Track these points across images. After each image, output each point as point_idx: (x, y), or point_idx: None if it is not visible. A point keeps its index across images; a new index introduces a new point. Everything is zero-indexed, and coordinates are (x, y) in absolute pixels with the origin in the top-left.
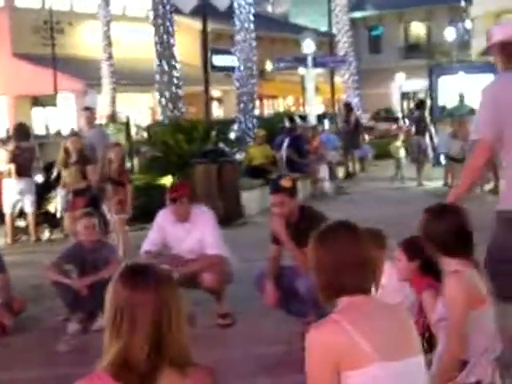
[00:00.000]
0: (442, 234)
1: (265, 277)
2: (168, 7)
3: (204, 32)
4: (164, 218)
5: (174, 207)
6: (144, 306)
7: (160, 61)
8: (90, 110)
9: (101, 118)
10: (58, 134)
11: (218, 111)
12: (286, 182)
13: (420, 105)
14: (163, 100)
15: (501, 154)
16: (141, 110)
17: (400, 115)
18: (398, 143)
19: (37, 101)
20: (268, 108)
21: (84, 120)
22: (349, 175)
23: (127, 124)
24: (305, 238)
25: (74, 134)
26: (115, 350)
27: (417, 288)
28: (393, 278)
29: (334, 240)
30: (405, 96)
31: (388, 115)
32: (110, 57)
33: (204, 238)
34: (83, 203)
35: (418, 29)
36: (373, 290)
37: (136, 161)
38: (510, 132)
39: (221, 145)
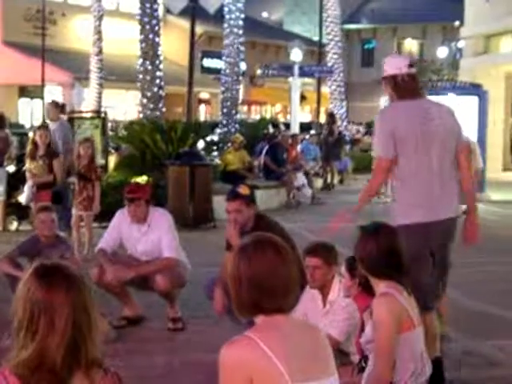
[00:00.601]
0: (370, 256)
1: (215, 284)
2: (156, 6)
3: (192, 33)
4: (121, 218)
5: (131, 208)
6: (62, 307)
7: (144, 59)
8: (53, 104)
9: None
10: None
11: (207, 113)
12: (243, 190)
13: None
14: (144, 99)
15: (394, 174)
16: (128, 106)
17: None
18: None
19: (24, 91)
20: (256, 114)
21: (48, 113)
22: (327, 186)
23: (103, 120)
24: None
25: (43, 126)
26: (29, 351)
27: (359, 306)
28: (340, 294)
29: (258, 255)
30: None
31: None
32: (100, 51)
33: (160, 241)
34: (47, 197)
35: (411, 45)
36: (293, 310)
37: (113, 158)
38: (404, 154)
39: (200, 147)
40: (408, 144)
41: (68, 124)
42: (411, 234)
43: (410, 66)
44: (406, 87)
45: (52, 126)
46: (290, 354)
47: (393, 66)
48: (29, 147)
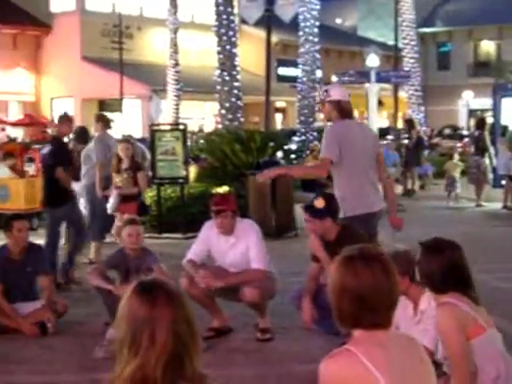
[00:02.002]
0: (433, 273)
1: (302, 294)
2: (232, 17)
3: (268, 43)
4: (208, 229)
5: (218, 220)
6: (164, 322)
7: (221, 70)
8: (96, 117)
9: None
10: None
11: (283, 122)
12: (318, 203)
13: (480, 124)
14: (223, 110)
15: (338, 175)
16: (205, 117)
17: (466, 133)
18: (455, 161)
19: (103, 104)
20: None
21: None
22: (407, 192)
23: (184, 132)
24: None
25: (125, 140)
26: (132, 367)
27: (415, 297)
28: (431, 303)
29: (365, 268)
30: (472, 114)
31: (454, 133)
32: (177, 63)
33: (248, 252)
34: (133, 209)
35: (487, 46)
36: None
37: (193, 169)
38: (346, 160)
39: (278, 156)
40: (351, 152)
41: (111, 136)
42: (356, 223)
43: (349, 95)
44: (347, 110)
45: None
46: (391, 369)
47: (338, 93)
48: (113, 161)
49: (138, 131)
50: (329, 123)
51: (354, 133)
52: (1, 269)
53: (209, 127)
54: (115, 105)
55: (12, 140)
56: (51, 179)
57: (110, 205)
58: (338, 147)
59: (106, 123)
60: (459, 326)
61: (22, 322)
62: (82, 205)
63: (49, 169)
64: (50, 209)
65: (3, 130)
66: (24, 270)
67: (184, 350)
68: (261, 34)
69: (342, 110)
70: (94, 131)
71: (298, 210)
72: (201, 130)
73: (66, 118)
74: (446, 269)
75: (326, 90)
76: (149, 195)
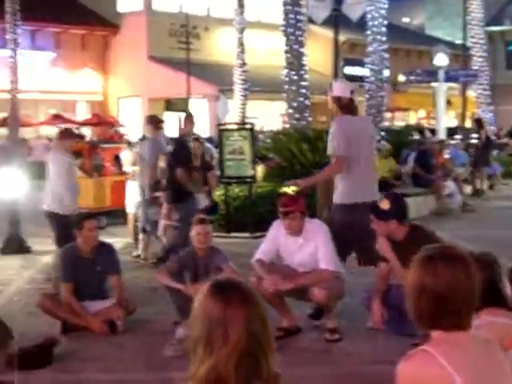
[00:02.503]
0: None
1: (372, 295)
2: (300, 17)
3: (335, 42)
4: (277, 229)
5: (286, 222)
6: (238, 322)
7: (289, 70)
8: (146, 119)
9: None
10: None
11: None
12: (383, 204)
13: None
14: (290, 109)
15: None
16: (272, 117)
17: None
18: None
19: (169, 104)
20: (399, 120)
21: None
22: (476, 193)
23: (251, 131)
24: (412, 258)
25: (196, 139)
26: (207, 367)
27: None
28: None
29: (446, 267)
30: None
31: None
32: (244, 63)
33: (316, 253)
34: (203, 209)
35: None
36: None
37: (260, 168)
38: (353, 152)
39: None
40: (354, 146)
41: (163, 140)
42: (351, 210)
43: (352, 92)
44: (348, 107)
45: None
46: (470, 371)
47: (340, 89)
48: None
49: (205, 131)
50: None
51: (357, 128)
52: (71, 267)
53: (275, 127)
54: (181, 104)
55: (80, 139)
56: (172, 178)
57: None
58: (347, 142)
59: (156, 124)
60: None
61: (92, 320)
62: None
63: (170, 168)
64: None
65: (77, 129)
66: (94, 269)
67: (259, 349)
68: (328, 33)
69: (342, 107)
70: (145, 132)
71: None
72: (262, 131)
73: (189, 118)
74: (485, 287)
75: (331, 85)
76: (217, 194)
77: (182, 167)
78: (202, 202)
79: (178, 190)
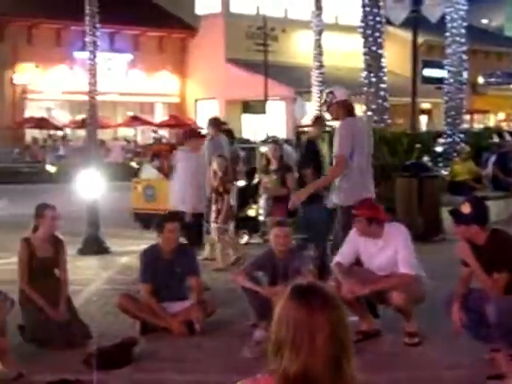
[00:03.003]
0: None
1: (452, 299)
2: (378, 18)
3: (414, 44)
4: (356, 232)
5: (354, 223)
6: (324, 325)
7: (368, 72)
8: (208, 121)
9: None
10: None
11: (428, 123)
12: (464, 208)
13: None
14: (369, 111)
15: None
16: None
17: None
18: None
19: (247, 106)
20: (478, 123)
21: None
22: None
23: (330, 133)
24: (493, 263)
25: (274, 141)
26: (293, 369)
27: None
28: None
29: None
30: None
31: None
32: (321, 65)
33: (396, 256)
34: (282, 211)
35: None
36: None
37: None
38: (360, 152)
39: (424, 159)
40: (359, 146)
41: (223, 140)
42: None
43: (348, 95)
44: (351, 108)
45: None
46: None
47: (342, 94)
48: (262, 162)
49: (282, 133)
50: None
51: (360, 128)
52: (151, 268)
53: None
54: (259, 106)
55: (158, 141)
56: (302, 181)
57: (263, 211)
58: (351, 143)
59: (218, 127)
60: None
61: (171, 320)
62: None
63: (299, 170)
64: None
65: (155, 131)
66: (173, 270)
67: (343, 352)
68: (406, 34)
69: (349, 109)
70: (208, 134)
71: (446, 214)
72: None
73: (318, 120)
74: None
75: (332, 92)
76: None
77: (310, 168)
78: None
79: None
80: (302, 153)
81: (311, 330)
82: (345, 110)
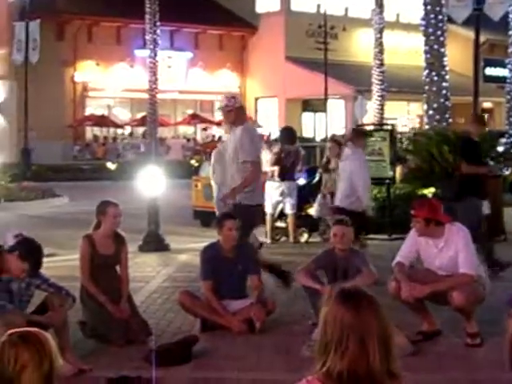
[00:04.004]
0: None
1: None
2: (440, 16)
3: (476, 42)
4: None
5: (412, 224)
6: (370, 327)
7: (429, 70)
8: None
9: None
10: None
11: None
12: None
13: None
14: (430, 110)
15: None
16: (409, 117)
17: None
18: None
19: (307, 104)
20: None
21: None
22: None
23: (391, 132)
24: None
25: (333, 140)
26: (339, 368)
27: None
28: None
29: None
30: None
31: None
32: (382, 64)
33: (457, 256)
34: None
35: None
36: None
37: (398, 169)
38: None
39: (486, 159)
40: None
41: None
42: (256, 210)
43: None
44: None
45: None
46: None
47: (239, 100)
48: (323, 160)
49: (341, 131)
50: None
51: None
52: (212, 266)
53: (412, 128)
54: (319, 105)
55: (216, 139)
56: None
57: (315, 209)
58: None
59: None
60: None
61: (231, 319)
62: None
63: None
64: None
65: (205, 129)
66: (235, 268)
67: (387, 352)
68: (468, 33)
69: (243, 114)
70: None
71: (508, 213)
72: (400, 132)
73: (480, 118)
74: None
75: (234, 97)
76: None
77: (469, 163)
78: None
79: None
80: (461, 148)
81: (358, 331)
82: (243, 116)
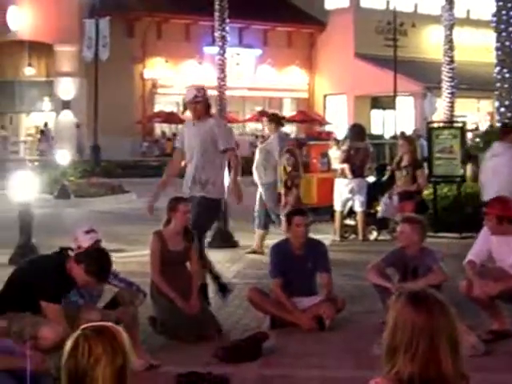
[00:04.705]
0: None
1: None
2: None
3: None
4: (487, 231)
5: (484, 221)
6: (440, 329)
7: (501, 67)
8: (269, 117)
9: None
10: (395, 136)
11: None
12: None
13: None
14: (502, 107)
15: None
16: (479, 115)
17: None
18: None
19: (375, 101)
20: None
21: (265, 125)
22: None
23: (462, 130)
24: None
25: (404, 137)
26: (409, 371)
27: None
28: None
29: None
30: None
31: None
32: (451, 61)
33: None
34: (410, 207)
35: None
36: None
37: (469, 167)
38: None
39: None
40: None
41: (285, 136)
42: (218, 204)
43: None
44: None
45: (270, 136)
46: None
47: (203, 91)
48: (396, 158)
49: (410, 128)
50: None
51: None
52: (282, 263)
53: (482, 126)
54: (388, 102)
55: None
56: None
57: (382, 208)
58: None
59: (279, 122)
60: None
61: (301, 316)
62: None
63: None
64: None
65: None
66: (305, 266)
67: (456, 353)
68: None
69: (211, 106)
70: (267, 131)
71: None
72: (470, 130)
73: None
74: None
75: (203, 89)
76: (425, 193)
77: None
78: None
79: None
80: None
81: (429, 334)
82: (210, 108)
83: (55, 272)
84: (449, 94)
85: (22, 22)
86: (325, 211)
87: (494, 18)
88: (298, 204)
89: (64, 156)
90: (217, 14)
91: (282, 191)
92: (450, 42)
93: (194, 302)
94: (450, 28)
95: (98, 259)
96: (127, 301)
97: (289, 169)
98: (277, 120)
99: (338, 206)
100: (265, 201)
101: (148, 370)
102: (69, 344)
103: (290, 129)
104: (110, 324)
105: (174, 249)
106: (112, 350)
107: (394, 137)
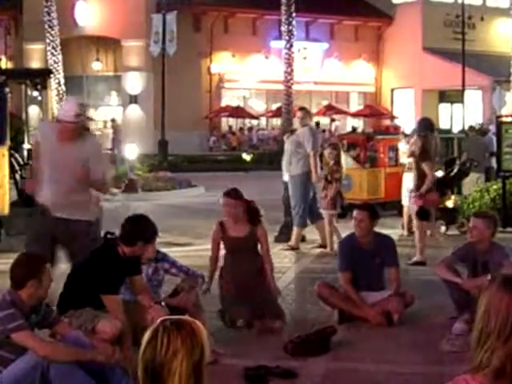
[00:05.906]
0: None
1: None
2: None
3: None
4: None
5: None
6: None
7: None
8: (303, 110)
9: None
10: (463, 130)
11: None
12: None
13: None
14: None
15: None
16: None
17: None
18: None
19: (443, 95)
20: None
21: (297, 119)
22: None
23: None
24: None
25: (472, 131)
26: (500, 355)
27: None
28: None
29: None
30: None
31: None
32: None
33: None
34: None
35: None
36: None
37: None
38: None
39: None
40: None
41: (316, 129)
42: None
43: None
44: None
45: (299, 130)
46: None
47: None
48: None
49: (478, 122)
50: None
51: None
52: (350, 257)
53: None
54: (456, 96)
55: (354, 130)
56: None
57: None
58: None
59: (309, 115)
60: None
61: (369, 310)
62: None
63: None
64: None
65: (333, 120)
66: (373, 260)
67: None
68: None
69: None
70: (299, 124)
71: None
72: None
73: None
74: None
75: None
76: (493, 188)
77: None
78: None
79: None
80: None
81: None
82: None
83: (108, 263)
84: None
85: (90, 17)
86: (392, 206)
87: None
88: (338, 198)
89: (132, 150)
90: (284, 8)
91: (322, 184)
92: None
93: (274, 285)
94: None
95: (134, 223)
96: (187, 287)
97: (331, 162)
98: (309, 113)
99: (405, 201)
100: (290, 194)
101: (216, 362)
102: (147, 335)
103: (356, 123)
104: (190, 318)
105: (236, 235)
106: (190, 344)
107: (463, 131)
